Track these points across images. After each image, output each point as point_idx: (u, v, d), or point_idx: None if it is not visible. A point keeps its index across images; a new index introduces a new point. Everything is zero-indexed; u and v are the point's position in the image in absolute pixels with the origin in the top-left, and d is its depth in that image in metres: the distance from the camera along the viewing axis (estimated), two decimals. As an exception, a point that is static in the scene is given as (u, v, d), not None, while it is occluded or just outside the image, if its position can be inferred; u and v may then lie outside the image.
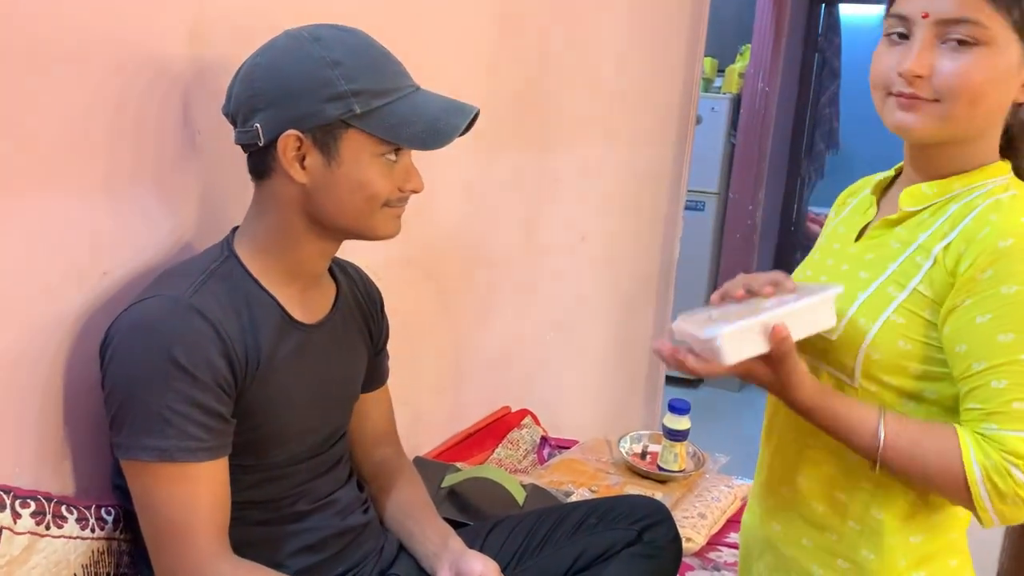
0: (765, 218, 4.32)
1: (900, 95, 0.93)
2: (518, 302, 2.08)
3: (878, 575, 0.98)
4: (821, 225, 1.23)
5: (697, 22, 2.71)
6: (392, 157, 1.02)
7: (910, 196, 0.98)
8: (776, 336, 0.89)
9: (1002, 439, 0.87)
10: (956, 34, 0.90)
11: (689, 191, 3.09)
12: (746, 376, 0.94)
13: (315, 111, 0.97)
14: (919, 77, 0.91)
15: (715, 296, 1.01)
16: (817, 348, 0.99)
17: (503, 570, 1.17)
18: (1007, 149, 0.99)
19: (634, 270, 2.69)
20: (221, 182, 1.18)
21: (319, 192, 1.01)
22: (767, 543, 1.10)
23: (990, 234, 0.88)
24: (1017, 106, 0.96)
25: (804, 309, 0.92)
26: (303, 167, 1.00)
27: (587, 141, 2.25)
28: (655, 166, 2.70)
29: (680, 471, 1.77)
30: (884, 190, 1.07)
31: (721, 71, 4.24)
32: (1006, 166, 0.97)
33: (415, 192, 1.06)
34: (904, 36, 0.93)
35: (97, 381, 0.99)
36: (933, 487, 0.94)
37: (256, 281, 1.04)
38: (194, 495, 0.96)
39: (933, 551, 0.99)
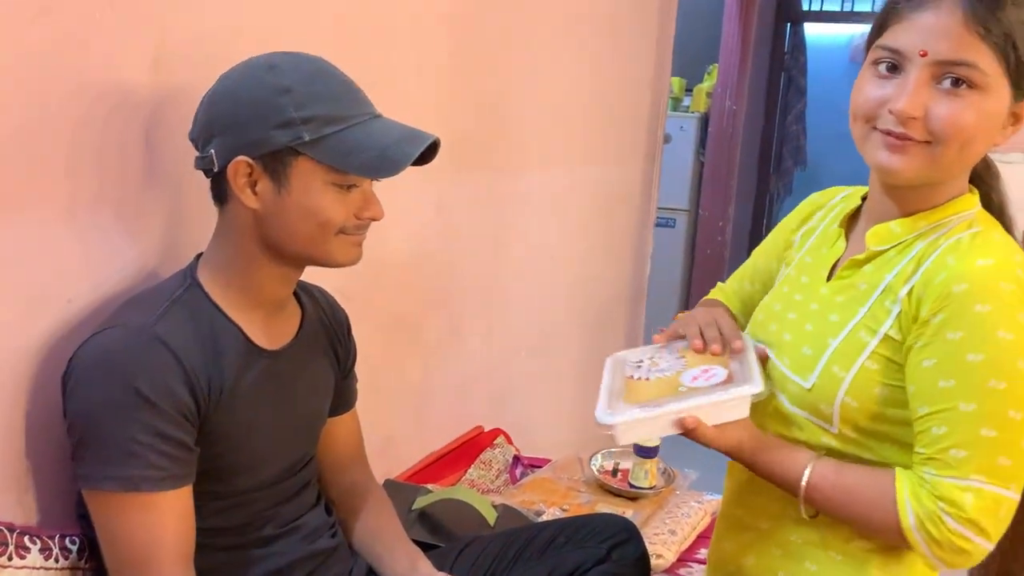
0: (735, 234, 4.38)
1: (889, 134, 0.90)
2: (489, 321, 2.09)
3: None
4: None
5: (664, 42, 2.76)
6: (347, 184, 1.01)
7: (877, 236, 0.97)
8: (685, 427, 0.95)
9: (937, 485, 0.87)
10: (953, 76, 0.87)
11: (660, 208, 3.13)
12: (699, 439, 0.98)
13: (264, 138, 0.97)
14: (913, 119, 0.89)
15: (660, 337, 1.08)
16: (794, 395, 0.99)
17: (473, 592, 1.17)
18: (972, 180, 0.99)
19: (606, 287, 2.71)
20: (185, 209, 1.18)
21: (271, 218, 1.01)
22: None
23: (946, 278, 0.88)
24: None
25: (714, 406, 0.96)
26: (255, 193, 1.00)
27: (556, 160, 2.28)
28: (625, 184, 2.73)
29: (651, 488, 1.78)
30: (851, 220, 1.06)
31: (689, 90, 4.30)
32: (973, 198, 0.96)
33: (374, 220, 1.06)
34: (894, 68, 0.91)
35: (60, 410, 0.98)
36: (874, 534, 0.95)
37: (219, 308, 1.04)
38: (158, 525, 0.95)
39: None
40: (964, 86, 0.88)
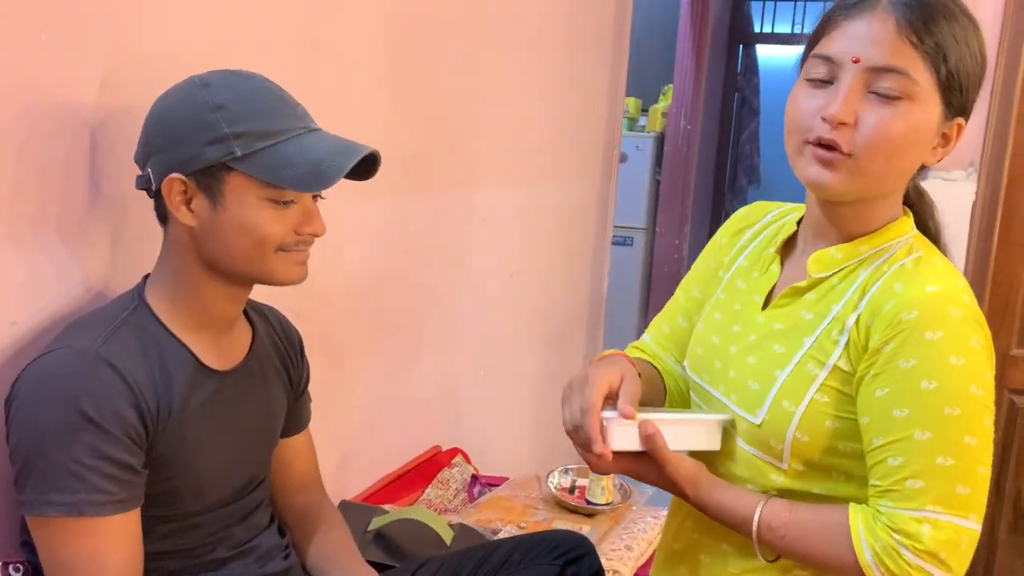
0: (691, 252, 4.43)
1: (819, 144, 0.89)
2: (447, 340, 2.09)
3: None
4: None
5: (618, 62, 2.80)
6: (283, 200, 1.01)
7: (818, 262, 0.95)
8: (643, 432, 0.92)
9: (894, 517, 0.85)
10: (884, 83, 0.87)
11: (617, 227, 3.16)
12: (635, 476, 0.97)
13: (196, 154, 0.97)
14: (844, 124, 0.88)
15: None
16: (743, 432, 0.97)
17: (427, 611, 1.17)
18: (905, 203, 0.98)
19: (563, 305, 2.72)
20: (133, 230, 1.17)
21: (208, 236, 1.00)
22: None
23: (895, 306, 0.87)
24: (921, 168, 0.95)
25: (690, 424, 0.97)
26: (190, 210, 1.00)
27: (513, 179, 2.29)
28: (582, 203, 2.76)
29: (607, 504, 1.79)
30: (786, 244, 1.03)
31: (645, 110, 4.37)
32: (909, 221, 0.96)
33: (314, 236, 1.05)
34: (827, 82, 0.90)
35: (3, 435, 0.97)
36: (833, 572, 0.91)
37: (167, 329, 1.03)
38: (104, 550, 0.94)
39: None
40: (894, 97, 0.87)
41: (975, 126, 2.17)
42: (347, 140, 1.03)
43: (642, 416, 0.94)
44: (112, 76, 1.11)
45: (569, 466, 1.96)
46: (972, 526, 0.85)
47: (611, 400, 0.96)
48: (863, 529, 0.87)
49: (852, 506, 0.89)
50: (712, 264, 1.13)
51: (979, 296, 2.23)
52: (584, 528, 1.67)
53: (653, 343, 1.19)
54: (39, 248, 1.05)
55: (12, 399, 0.96)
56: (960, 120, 0.92)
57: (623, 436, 0.94)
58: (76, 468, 0.92)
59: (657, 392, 1.13)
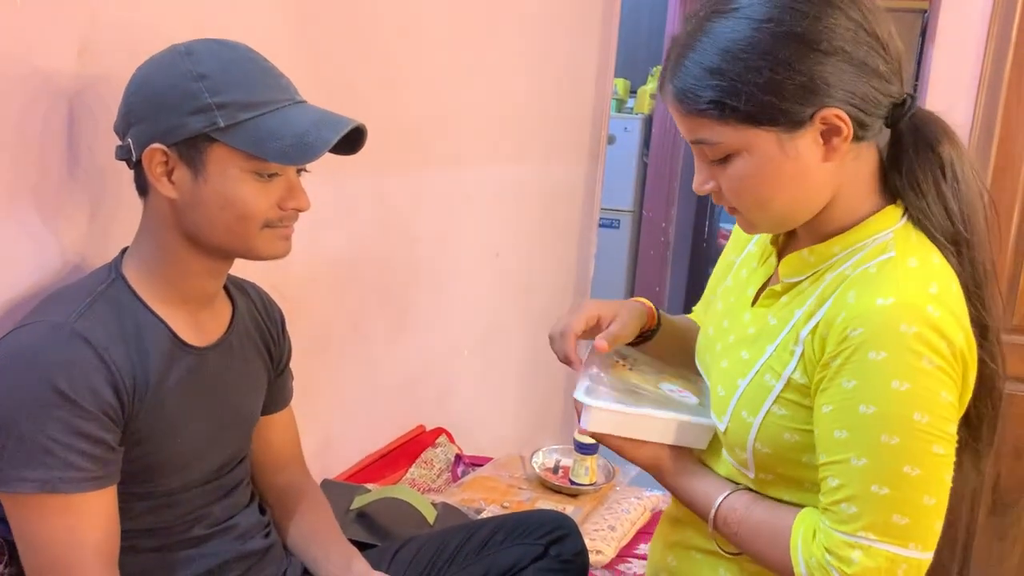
0: (678, 235, 4.43)
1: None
2: (432, 319, 2.08)
3: None
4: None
5: (607, 43, 2.78)
6: (267, 173, 0.99)
7: (790, 266, 0.91)
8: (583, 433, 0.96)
9: (829, 537, 0.83)
10: (708, 153, 0.86)
11: (604, 209, 3.15)
12: (619, 451, 0.99)
13: (179, 124, 0.95)
14: (713, 193, 0.88)
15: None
16: (716, 437, 0.97)
17: (409, 590, 1.16)
18: (895, 160, 0.89)
19: (549, 287, 2.72)
20: (112, 202, 1.15)
21: (189, 208, 0.98)
22: None
23: (844, 320, 0.81)
24: (898, 116, 0.85)
25: (683, 425, 0.97)
26: (171, 182, 0.97)
27: (499, 158, 2.28)
28: (569, 184, 2.74)
29: (591, 484, 1.79)
30: (787, 237, 0.98)
31: (634, 92, 4.35)
32: (894, 214, 0.87)
33: (299, 211, 1.03)
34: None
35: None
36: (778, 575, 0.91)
37: (144, 304, 1.01)
38: (79, 528, 0.92)
39: None
40: (722, 157, 0.85)
41: (963, 115, 2.17)
42: (333, 113, 1.01)
43: (634, 410, 0.96)
44: (90, 44, 1.08)
45: (553, 446, 1.96)
46: (913, 555, 0.81)
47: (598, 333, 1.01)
48: (801, 542, 0.86)
49: (802, 514, 0.88)
50: (734, 247, 1.10)
51: (963, 281, 2.24)
52: (567, 508, 1.67)
53: (698, 312, 1.19)
54: (14, 219, 1.03)
55: None
56: (821, 112, 0.81)
57: (597, 420, 0.96)
58: (50, 445, 0.90)
59: (687, 349, 1.11)
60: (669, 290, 4.32)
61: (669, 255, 4.28)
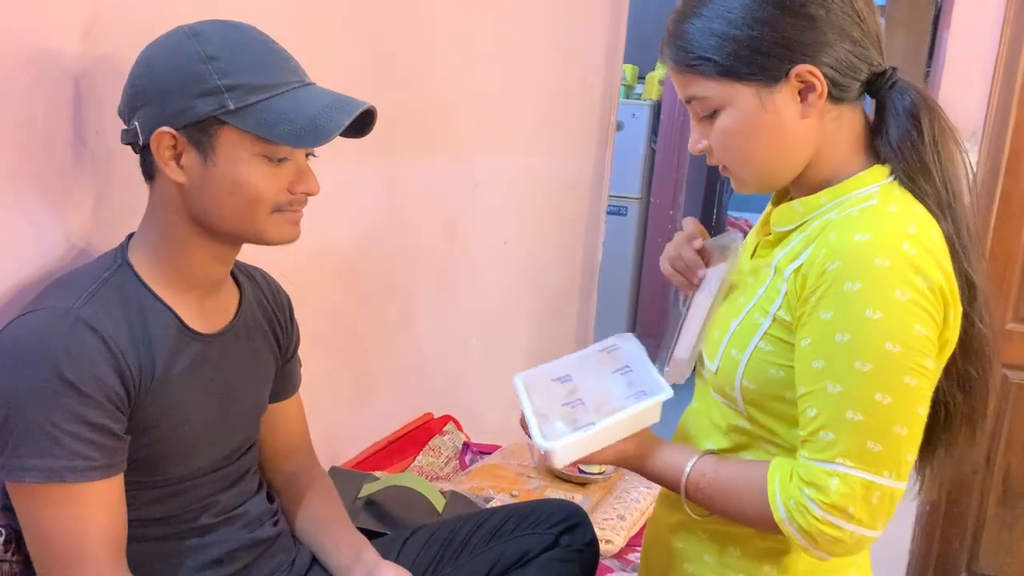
0: (686, 222, 4.41)
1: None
2: (440, 306, 2.06)
3: None
4: (740, 229, 1.24)
5: (616, 28, 2.75)
6: (277, 157, 0.97)
7: (780, 215, 0.97)
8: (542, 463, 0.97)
9: (808, 468, 0.85)
10: (698, 110, 0.93)
11: (612, 196, 3.13)
12: (587, 462, 1.01)
13: (187, 107, 0.93)
14: (705, 151, 0.95)
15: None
16: (708, 379, 1.00)
17: (418, 579, 1.15)
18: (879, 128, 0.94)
19: (557, 274, 2.70)
20: (118, 186, 1.13)
21: (198, 192, 0.97)
22: (670, 558, 1.07)
23: (824, 256, 0.86)
24: (876, 87, 0.91)
25: (633, 417, 0.97)
26: (180, 166, 0.96)
27: (507, 145, 2.26)
28: (577, 171, 2.72)
29: (600, 473, 1.78)
30: (784, 200, 1.03)
31: (642, 78, 4.31)
32: (881, 171, 0.92)
33: (308, 195, 1.02)
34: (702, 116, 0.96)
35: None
36: (759, 530, 0.94)
37: (150, 290, 1.00)
38: (85, 517, 0.91)
39: (835, 567, 0.97)
40: (711, 113, 0.92)
41: (978, 97, 2.14)
42: (343, 95, 0.99)
43: (603, 422, 0.97)
44: (95, 25, 1.06)
45: (561, 435, 1.95)
46: (886, 483, 0.84)
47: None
48: (779, 487, 0.88)
49: (773, 462, 0.91)
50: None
51: (976, 270, 2.22)
52: (576, 497, 1.67)
53: None
54: (16, 204, 1.02)
55: None
56: (795, 68, 0.88)
57: (564, 456, 0.97)
58: (55, 433, 0.89)
59: None
60: (676, 278, 4.30)
61: (676, 243, 4.26)
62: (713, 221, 4.87)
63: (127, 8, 1.11)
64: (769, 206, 1.06)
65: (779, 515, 0.87)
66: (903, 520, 2.32)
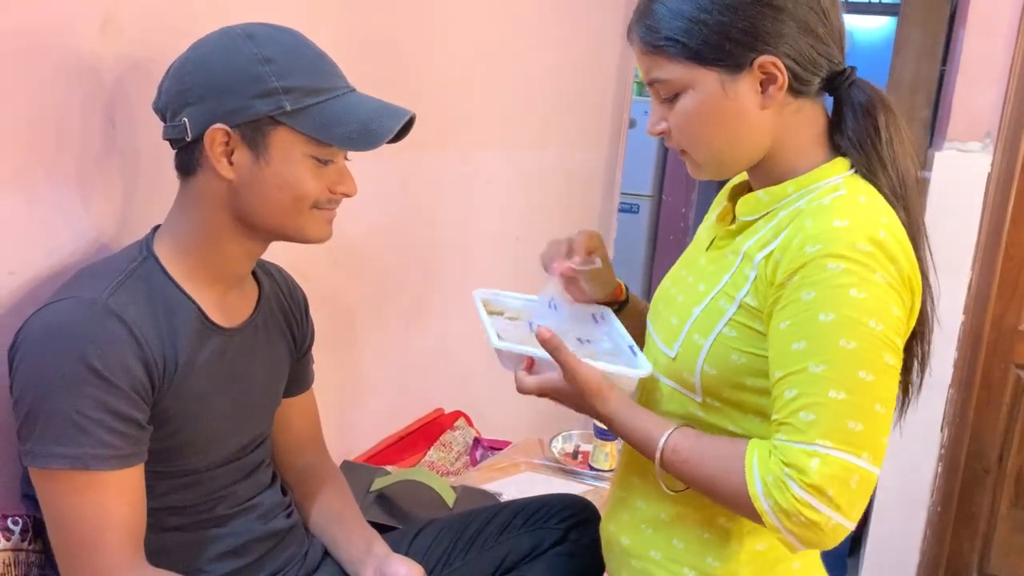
0: (697, 220, 4.39)
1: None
2: (452, 302, 2.07)
3: None
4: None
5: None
6: (324, 157, 1.00)
7: (746, 205, 0.97)
8: (540, 337, 0.95)
9: (785, 450, 0.84)
10: (660, 92, 0.94)
11: (624, 194, 3.13)
12: (554, 396, 0.98)
13: (244, 106, 0.95)
14: (663, 133, 0.96)
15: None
16: (662, 366, 1.00)
17: (430, 573, 1.17)
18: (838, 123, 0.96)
19: (568, 271, 2.70)
20: (141, 180, 1.15)
21: (246, 189, 0.99)
22: (621, 556, 1.07)
23: (801, 240, 0.87)
24: (837, 85, 0.93)
25: (608, 375, 0.96)
26: (230, 163, 0.98)
27: (520, 142, 2.26)
28: (589, 168, 2.72)
29: (610, 470, 1.78)
30: (744, 193, 1.03)
31: (655, 75, 4.30)
32: (843, 164, 0.94)
33: (347, 195, 1.05)
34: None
35: (5, 386, 0.95)
36: (728, 507, 0.92)
37: (175, 283, 1.01)
38: (107, 505, 0.93)
39: (777, 557, 0.98)
40: (672, 96, 0.93)
41: (994, 96, 2.13)
42: (386, 102, 1.02)
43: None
44: (112, 18, 1.07)
45: (573, 431, 1.96)
46: (864, 465, 0.83)
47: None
48: (758, 461, 0.86)
49: (753, 441, 0.89)
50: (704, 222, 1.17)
51: (989, 271, 2.21)
52: (587, 493, 1.67)
53: None
54: (45, 195, 1.03)
55: (16, 348, 0.94)
56: (759, 58, 0.89)
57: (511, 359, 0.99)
58: (81, 421, 0.90)
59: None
60: (688, 276, 4.30)
61: (688, 241, 4.26)
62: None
63: (143, 3, 1.12)
64: (721, 201, 1.09)
65: (754, 489, 0.85)
66: (914, 521, 2.31)
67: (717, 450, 0.91)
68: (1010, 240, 2.19)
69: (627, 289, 1.20)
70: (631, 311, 1.18)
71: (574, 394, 0.96)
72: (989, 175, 2.15)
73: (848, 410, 0.83)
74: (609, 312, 1.14)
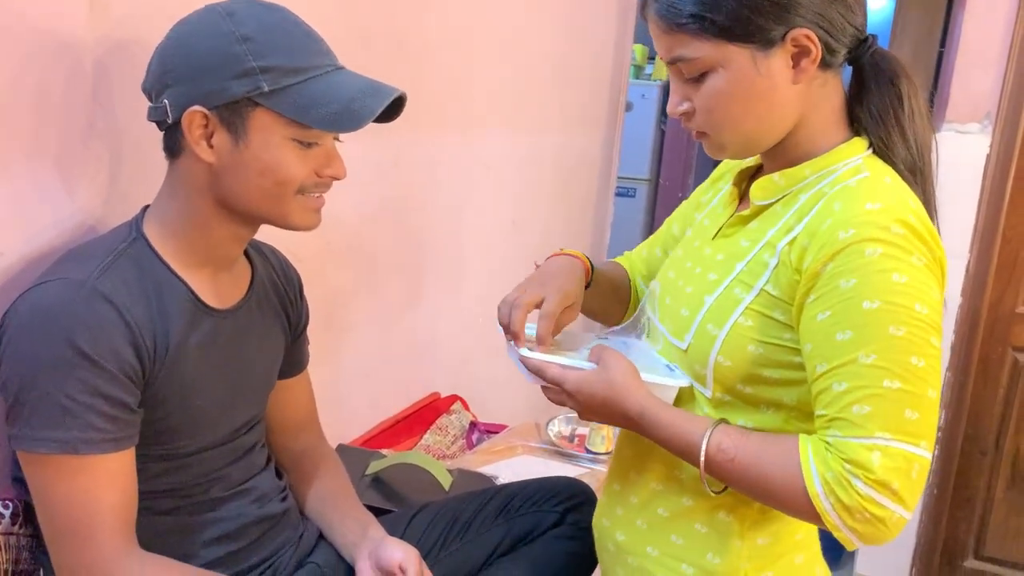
0: (695, 205, 4.39)
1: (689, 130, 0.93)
2: (448, 286, 2.06)
3: None
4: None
5: (626, 8, 2.73)
6: (307, 140, 0.97)
7: (761, 189, 0.93)
8: (531, 367, 0.96)
9: (843, 447, 0.81)
10: (685, 71, 0.89)
11: (621, 178, 3.11)
12: (573, 387, 0.94)
13: (221, 88, 0.93)
14: (685, 114, 0.91)
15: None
16: (671, 359, 0.97)
17: (426, 556, 1.16)
18: (859, 95, 0.93)
19: (565, 255, 2.69)
20: (128, 162, 1.13)
21: (226, 173, 0.97)
22: (616, 553, 1.04)
23: (832, 225, 0.83)
24: (857, 56, 0.90)
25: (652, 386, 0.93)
26: (210, 146, 0.96)
27: (516, 126, 2.24)
28: (585, 152, 2.71)
29: (607, 453, 1.78)
30: (750, 179, 1.00)
31: (652, 58, 4.28)
32: (860, 144, 0.91)
33: (335, 179, 1.02)
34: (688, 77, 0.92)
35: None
36: (780, 507, 0.88)
37: (166, 264, 1.00)
38: (97, 489, 0.91)
39: (779, 552, 0.96)
40: (698, 75, 0.88)
41: (992, 78, 2.12)
42: (374, 80, 0.99)
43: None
44: (103, 2, 1.06)
45: (569, 414, 1.95)
46: (923, 453, 0.81)
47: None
48: (814, 457, 0.82)
49: (802, 436, 0.85)
50: (694, 204, 1.14)
51: (987, 253, 2.21)
52: (584, 477, 1.67)
53: (635, 258, 1.24)
54: (28, 176, 1.01)
55: (3, 331, 0.92)
56: (792, 31, 0.85)
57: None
58: (70, 404, 0.89)
59: (621, 299, 1.19)
60: (684, 261, 4.30)
61: (685, 225, 4.26)
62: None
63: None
64: (717, 187, 1.07)
65: (814, 488, 0.81)
66: (910, 503, 2.32)
67: (766, 447, 0.86)
68: (1008, 223, 2.18)
69: (591, 264, 1.14)
70: (600, 285, 1.14)
71: (603, 386, 0.91)
72: (988, 156, 2.14)
73: (905, 399, 0.80)
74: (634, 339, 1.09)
